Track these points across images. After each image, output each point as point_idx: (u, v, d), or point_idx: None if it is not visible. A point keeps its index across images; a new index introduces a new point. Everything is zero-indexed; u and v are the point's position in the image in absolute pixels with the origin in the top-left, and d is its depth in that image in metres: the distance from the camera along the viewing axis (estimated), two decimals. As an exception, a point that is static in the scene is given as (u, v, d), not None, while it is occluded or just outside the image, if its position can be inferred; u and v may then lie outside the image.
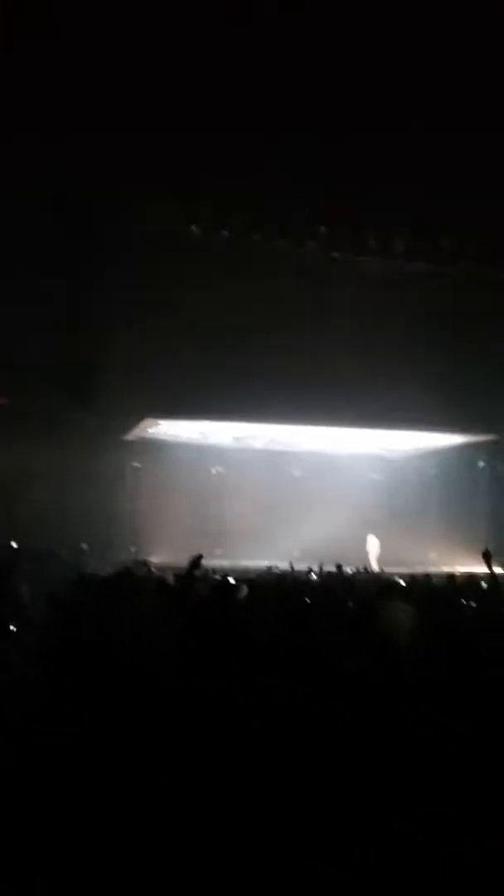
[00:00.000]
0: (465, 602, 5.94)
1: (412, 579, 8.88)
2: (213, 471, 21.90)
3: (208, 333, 16.59)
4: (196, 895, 2.50)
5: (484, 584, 7.05)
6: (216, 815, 2.75)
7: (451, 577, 8.62)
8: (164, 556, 17.61)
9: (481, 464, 21.71)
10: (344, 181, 15.19)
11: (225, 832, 2.69)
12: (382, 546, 19.88)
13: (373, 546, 18.89)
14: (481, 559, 6.48)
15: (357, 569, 10.90)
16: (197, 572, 5.38)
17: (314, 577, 9.46)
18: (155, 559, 15.66)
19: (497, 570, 6.26)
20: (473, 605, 6.09)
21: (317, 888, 2.50)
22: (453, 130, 14.20)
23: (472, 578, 8.12)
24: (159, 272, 16.07)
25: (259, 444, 21.73)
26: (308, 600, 5.26)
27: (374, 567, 16.37)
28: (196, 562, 5.14)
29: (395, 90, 13.47)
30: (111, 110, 13.41)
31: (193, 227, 16.74)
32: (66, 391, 17.07)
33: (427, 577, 9.35)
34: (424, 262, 17.77)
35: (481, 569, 7.06)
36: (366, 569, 10.96)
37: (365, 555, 18.61)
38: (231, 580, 7.09)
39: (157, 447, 21.05)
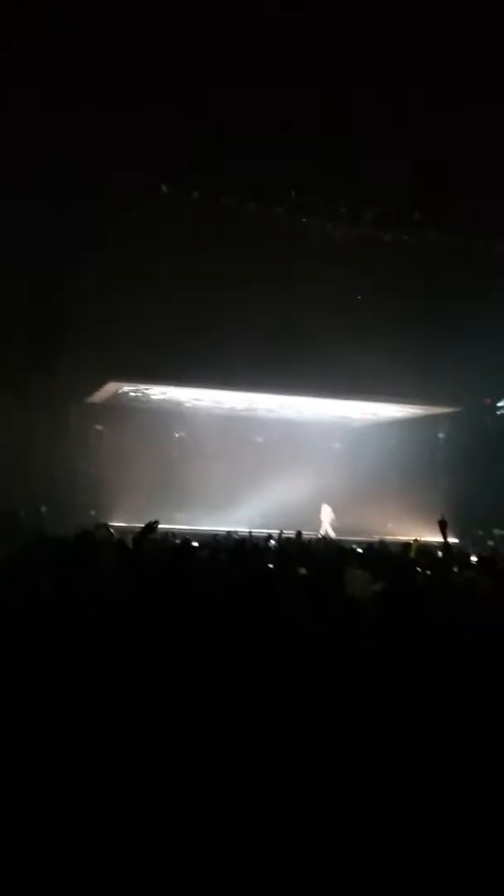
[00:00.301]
0: (419, 570, 6.06)
1: (369, 547, 9.03)
2: (176, 435, 21.87)
3: (175, 297, 16.40)
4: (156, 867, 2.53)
5: (439, 553, 7.20)
6: (173, 775, 2.78)
7: (406, 546, 8.78)
8: (126, 519, 17.61)
9: (441, 435, 22.01)
10: (316, 147, 15.02)
11: (180, 790, 2.73)
12: (342, 515, 20.13)
13: (326, 514, 19.11)
14: (438, 528, 6.61)
15: (318, 535, 11.04)
16: (152, 536, 5.38)
17: (273, 542, 9.56)
18: (116, 523, 15.65)
19: (452, 539, 6.39)
20: (428, 572, 6.22)
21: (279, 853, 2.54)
22: (424, 101, 14.11)
23: (427, 547, 8.28)
24: (126, 234, 15.78)
25: (222, 410, 21.72)
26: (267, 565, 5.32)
27: (329, 534, 16.62)
28: (151, 527, 5.14)
29: (366, 54, 13.30)
30: (77, 72, 13.08)
31: (163, 188, 16.42)
32: (30, 354, 16.81)
33: (384, 544, 9.51)
34: (392, 232, 17.73)
35: (438, 538, 7.21)
36: (324, 536, 11.09)
37: (320, 522, 18.87)
38: (190, 543, 7.13)
39: (120, 411, 20.91)
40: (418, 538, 9.38)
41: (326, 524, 18.76)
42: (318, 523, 18.76)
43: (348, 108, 14.04)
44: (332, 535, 16.35)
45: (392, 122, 14.37)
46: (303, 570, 5.27)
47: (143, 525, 5.50)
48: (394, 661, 3.33)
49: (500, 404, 19.79)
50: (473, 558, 7.83)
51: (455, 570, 5.81)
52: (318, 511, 19.30)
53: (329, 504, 20.02)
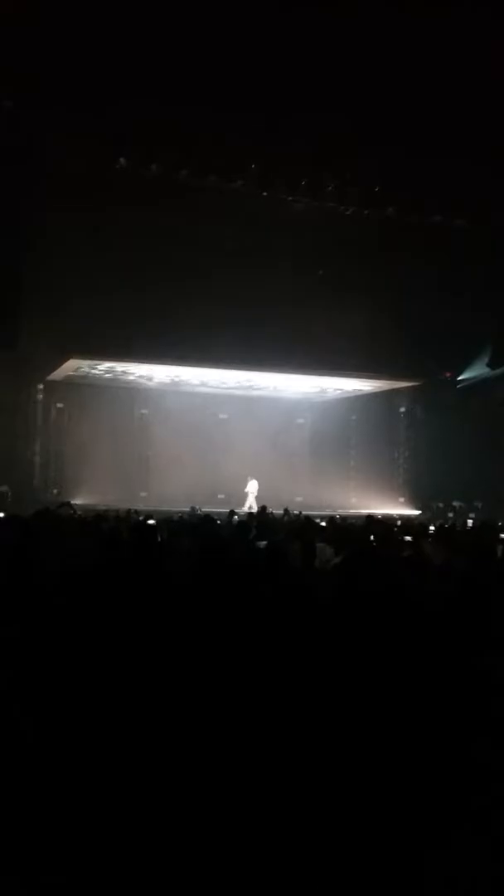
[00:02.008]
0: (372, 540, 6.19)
1: (330, 520, 9.17)
2: (139, 413, 21.78)
3: (134, 273, 16.24)
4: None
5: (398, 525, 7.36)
6: (142, 750, 2.82)
7: (368, 518, 8.94)
8: (89, 498, 17.57)
9: (402, 409, 22.27)
10: (278, 120, 14.90)
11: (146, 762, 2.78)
12: (307, 489, 20.36)
13: (252, 488, 19.30)
14: (398, 502, 6.75)
15: (286, 510, 11.15)
16: (116, 514, 5.41)
17: (236, 518, 9.64)
18: (78, 501, 15.60)
19: (414, 512, 6.53)
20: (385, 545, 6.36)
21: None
22: (388, 76, 14.05)
23: (386, 519, 8.45)
24: (85, 207, 15.53)
25: (185, 387, 21.67)
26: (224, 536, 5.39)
27: (253, 507, 16.78)
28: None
29: (329, 29, 13.20)
30: (41, 44, 12.77)
31: (121, 161, 16.17)
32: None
33: (343, 518, 9.66)
34: (353, 206, 17.72)
35: (397, 511, 7.36)
36: (287, 510, 11.19)
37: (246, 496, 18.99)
38: (150, 521, 7.17)
39: (81, 388, 20.73)
40: (378, 511, 9.53)
41: (252, 497, 18.95)
42: (244, 497, 18.97)
43: (307, 79, 13.92)
44: (254, 507, 16.54)
45: (351, 96, 14.31)
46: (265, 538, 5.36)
47: (107, 503, 5.52)
48: (353, 621, 3.39)
49: (460, 378, 20.06)
50: (432, 528, 8.03)
51: (410, 540, 5.96)
52: (283, 486, 19.44)
53: (297, 478, 20.27)
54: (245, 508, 16.52)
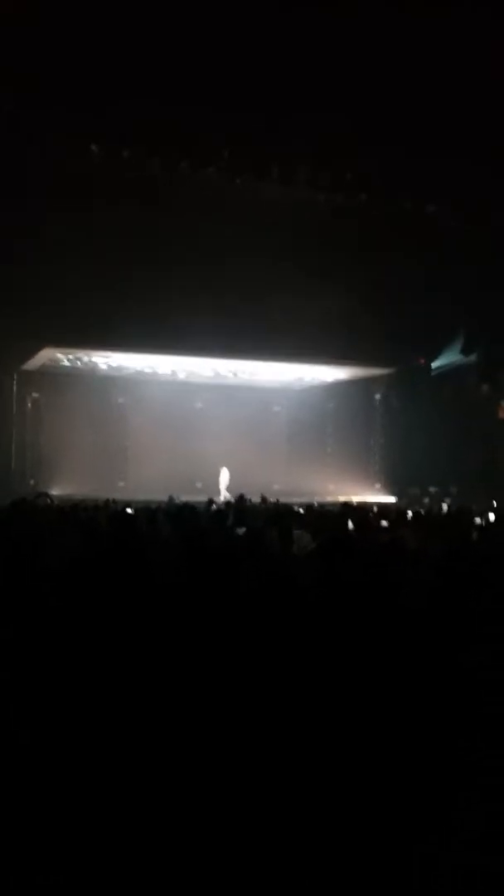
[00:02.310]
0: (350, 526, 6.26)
1: (308, 508, 9.24)
2: (116, 402, 21.69)
3: (109, 260, 16.13)
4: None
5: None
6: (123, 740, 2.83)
7: (344, 505, 9.04)
8: (67, 488, 17.49)
9: (377, 396, 22.40)
10: (250, 107, 14.84)
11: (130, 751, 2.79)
12: (284, 477, 20.44)
13: (224, 478, 19.36)
14: (374, 489, 6.82)
15: (264, 498, 11.19)
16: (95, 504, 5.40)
17: (214, 507, 9.66)
18: (56, 491, 15.53)
19: (390, 498, 6.61)
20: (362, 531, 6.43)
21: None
22: (362, 62, 14.03)
23: (362, 506, 8.53)
24: (59, 195, 15.38)
25: (160, 376, 21.60)
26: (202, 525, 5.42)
27: (225, 496, 16.85)
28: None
29: (305, 18, 13.15)
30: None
31: (93, 148, 16.02)
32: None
33: (321, 505, 9.73)
34: (326, 193, 17.73)
35: (374, 498, 7.43)
36: (264, 498, 11.24)
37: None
38: (128, 510, 7.17)
39: (57, 377, 20.59)
40: (354, 498, 9.62)
41: (223, 487, 19.01)
42: (217, 487, 19.05)
43: (281, 65, 13.88)
44: (226, 496, 16.62)
45: (325, 81, 14.27)
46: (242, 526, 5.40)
47: (85, 494, 5.51)
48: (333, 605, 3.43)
49: (434, 365, 20.21)
50: (409, 514, 8.13)
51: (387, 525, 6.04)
52: (259, 474, 19.49)
53: (274, 466, 20.32)
54: (222, 498, 16.55)
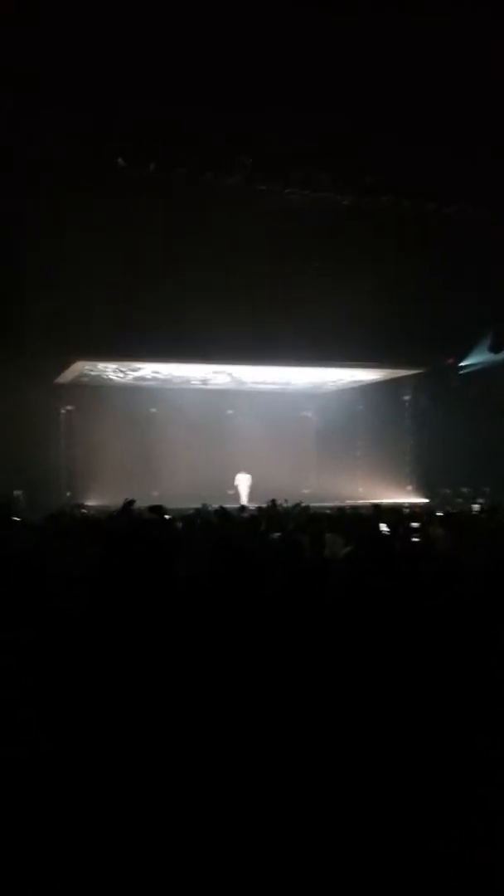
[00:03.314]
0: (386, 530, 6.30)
1: (340, 511, 9.27)
2: (147, 412, 21.89)
3: (138, 272, 16.33)
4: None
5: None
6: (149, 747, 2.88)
7: (376, 508, 9.06)
8: (101, 499, 17.69)
9: (406, 398, 22.32)
10: (270, 113, 14.90)
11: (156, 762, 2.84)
12: (314, 481, 20.43)
13: (243, 482, 19.35)
14: (406, 491, 6.83)
15: (298, 504, 11.24)
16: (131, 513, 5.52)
17: (246, 514, 9.76)
18: (91, 503, 15.74)
19: (421, 500, 6.62)
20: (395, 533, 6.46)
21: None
22: (378, 63, 14.03)
23: (395, 509, 8.54)
24: (86, 208, 15.61)
25: (191, 385, 21.77)
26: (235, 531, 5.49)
27: (245, 502, 16.88)
28: (128, 505, 5.28)
29: (318, 21, 13.19)
30: (41, 44, 12.77)
31: (119, 161, 16.22)
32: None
33: (353, 508, 9.76)
34: (350, 197, 17.72)
35: (405, 499, 7.45)
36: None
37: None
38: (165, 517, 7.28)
39: (89, 390, 20.86)
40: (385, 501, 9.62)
41: (244, 492, 19.03)
42: (237, 492, 19.05)
43: (299, 69, 13.90)
44: (246, 502, 16.67)
45: (345, 84, 14.28)
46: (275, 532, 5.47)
47: (119, 504, 5.62)
48: (368, 614, 3.46)
49: (462, 364, 20.09)
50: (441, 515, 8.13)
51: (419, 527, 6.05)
52: (291, 480, 19.51)
53: (303, 471, 20.30)
54: (242, 503, 16.64)
